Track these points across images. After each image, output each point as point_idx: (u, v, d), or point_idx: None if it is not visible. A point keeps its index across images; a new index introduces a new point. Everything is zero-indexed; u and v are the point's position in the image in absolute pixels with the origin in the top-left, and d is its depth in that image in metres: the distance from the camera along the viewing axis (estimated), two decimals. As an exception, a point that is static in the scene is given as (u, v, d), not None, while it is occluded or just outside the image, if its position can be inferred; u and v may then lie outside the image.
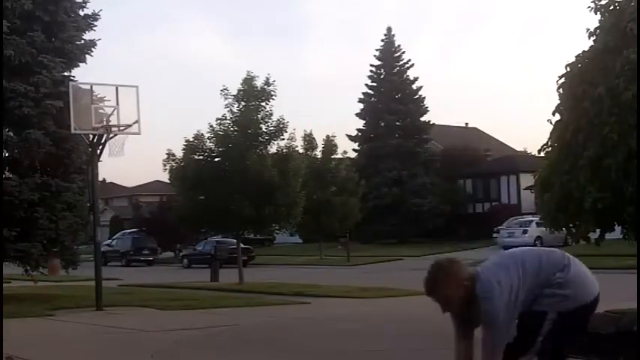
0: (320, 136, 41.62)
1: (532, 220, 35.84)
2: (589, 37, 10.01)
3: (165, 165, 25.50)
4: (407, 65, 53.01)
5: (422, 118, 52.83)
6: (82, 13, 19.55)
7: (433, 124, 53.11)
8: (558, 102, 10.05)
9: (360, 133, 53.62)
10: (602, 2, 9.88)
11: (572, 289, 4.75)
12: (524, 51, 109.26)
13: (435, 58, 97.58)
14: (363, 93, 53.60)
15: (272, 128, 24.79)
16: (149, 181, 72.33)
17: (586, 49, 9.96)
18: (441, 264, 4.74)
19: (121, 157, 16.77)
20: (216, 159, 24.92)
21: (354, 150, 52.80)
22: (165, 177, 28.06)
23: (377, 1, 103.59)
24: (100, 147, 16.58)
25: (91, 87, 16.81)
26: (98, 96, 16.68)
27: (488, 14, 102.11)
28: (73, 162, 19.01)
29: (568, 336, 4.87)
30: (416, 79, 52.77)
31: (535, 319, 4.71)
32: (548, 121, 10.18)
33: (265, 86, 24.71)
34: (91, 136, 16.63)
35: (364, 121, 53.46)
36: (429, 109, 52.75)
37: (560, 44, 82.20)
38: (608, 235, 9.96)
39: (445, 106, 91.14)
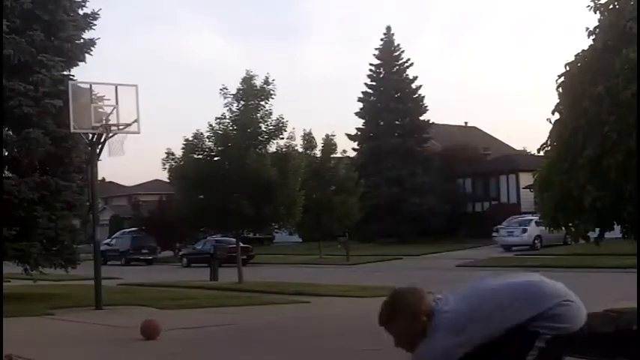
0: (319, 135, 41.54)
1: (531, 219, 35.79)
2: (588, 37, 10.01)
3: (164, 164, 25.52)
4: (406, 64, 52.95)
5: (421, 117, 52.77)
6: (81, 12, 19.61)
7: (432, 123, 53.07)
8: (558, 101, 10.04)
9: (359, 132, 53.55)
10: (602, 1, 9.87)
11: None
12: (524, 50, 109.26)
13: (434, 57, 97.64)
14: (363, 92, 53.54)
15: (271, 127, 24.75)
16: (148, 180, 72.17)
17: (585, 48, 9.95)
18: (403, 294, 3.93)
19: (121, 156, 16.81)
20: (216, 158, 24.89)
21: (353, 149, 52.80)
22: (164, 176, 28.08)
23: (377, 1, 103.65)
24: (100, 146, 16.59)
25: (91, 86, 16.82)
26: (97, 95, 16.69)
27: (488, 13, 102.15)
28: (73, 161, 19.01)
29: None
30: (415, 78, 52.76)
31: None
32: (547, 120, 10.19)
33: (265, 85, 24.67)
34: (91, 135, 16.64)
35: (364, 120, 53.39)
36: (428, 108, 52.73)
37: (560, 44, 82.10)
38: (607, 234, 9.96)
39: (445, 105, 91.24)
